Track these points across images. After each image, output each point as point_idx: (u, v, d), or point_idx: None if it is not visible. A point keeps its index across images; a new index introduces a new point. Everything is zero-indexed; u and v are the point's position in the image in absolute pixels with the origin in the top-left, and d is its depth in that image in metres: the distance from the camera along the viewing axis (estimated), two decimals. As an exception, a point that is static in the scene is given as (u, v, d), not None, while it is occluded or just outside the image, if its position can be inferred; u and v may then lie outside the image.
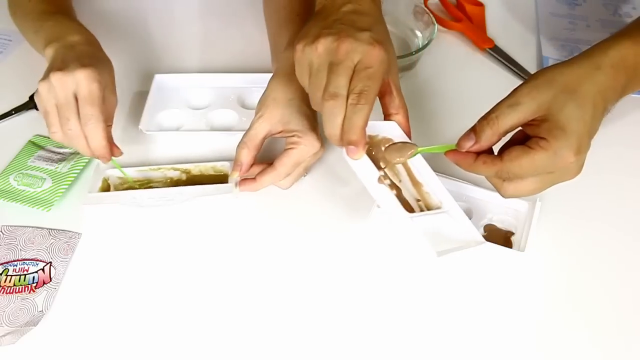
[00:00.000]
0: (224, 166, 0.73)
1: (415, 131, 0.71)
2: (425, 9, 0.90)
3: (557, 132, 0.54)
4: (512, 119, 0.56)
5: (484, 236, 0.67)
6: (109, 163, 0.69)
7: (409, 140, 0.63)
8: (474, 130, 0.57)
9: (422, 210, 0.62)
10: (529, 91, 0.56)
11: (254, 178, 0.69)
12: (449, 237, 0.61)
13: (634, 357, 0.59)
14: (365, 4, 0.62)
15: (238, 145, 0.69)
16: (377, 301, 0.63)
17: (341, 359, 0.59)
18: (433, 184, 0.64)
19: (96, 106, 0.65)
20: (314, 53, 0.59)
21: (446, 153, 0.59)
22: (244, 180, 0.70)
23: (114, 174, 0.73)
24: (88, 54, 0.68)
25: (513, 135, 0.59)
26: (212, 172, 0.73)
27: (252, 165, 0.70)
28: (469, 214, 0.69)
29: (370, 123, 0.59)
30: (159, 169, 0.73)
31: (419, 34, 0.90)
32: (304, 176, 0.73)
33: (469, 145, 0.57)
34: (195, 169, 0.73)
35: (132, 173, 0.73)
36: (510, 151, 0.56)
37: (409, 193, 0.63)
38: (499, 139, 0.57)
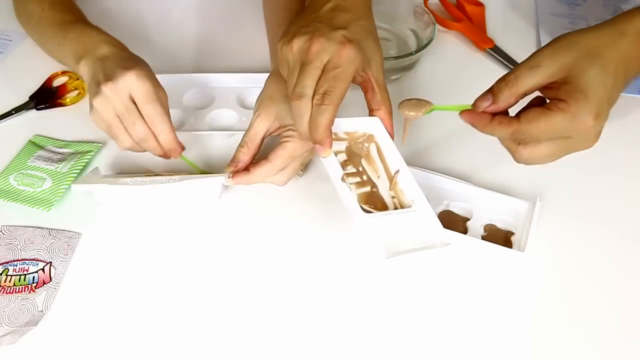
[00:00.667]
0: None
1: (415, 131, 0.71)
2: (425, 9, 0.90)
3: (578, 94, 0.53)
4: (532, 80, 0.55)
5: (484, 237, 0.67)
6: (107, 164, 0.69)
7: (423, 98, 0.63)
8: (492, 91, 0.57)
9: (396, 208, 0.63)
10: (550, 54, 0.55)
11: (248, 169, 0.69)
12: (412, 237, 0.61)
13: (633, 357, 0.59)
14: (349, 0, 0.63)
15: (239, 144, 0.69)
16: (376, 301, 0.63)
17: (340, 359, 0.59)
18: (407, 182, 0.64)
19: (156, 102, 0.66)
20: (290, 52, 0.60)
21: (461, 113, 0.59)
22: (238, 172, 0.69)
23: (110, 176, 0.72)
24: (126, 58, 0.69)
25: (531, 101, 0.58)
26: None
27: (249, 165, 0.69)
28: (469, 213, 0.69)
29: (351, 119, 0.62)
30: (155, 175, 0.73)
31: (419, 34, 0.90)
32: (300, 176, 0.73)
33: (485, 105, 0.57)
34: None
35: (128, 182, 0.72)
36: (528, 112, 0.55)
37: (385, 190, 0.63)
38: (517, 101, 0.57)
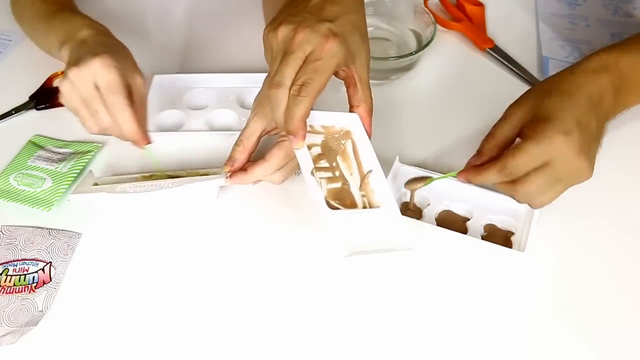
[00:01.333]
0: (216, 173, 0.72)
1: (415, 132, 0.71)
2: (425, 9, 0.90)
3: (542, 121, 0.58)
4: (505, 129, 0.61)
5: (484, 236, 0.67)
6: (102, 164, 0.68)
7: (424, 175, 0.69)
8: (478, 150, 0.62)
9: (364, 207, 0.62)
10: (516, 103, 0.62)
11: (245, 169, 0.69)
12: (376, 238, 0.60)
13: (633, 357, 0.59)
14: None
15: (234, 143, 0.69)
16: (375, 301, 0.63)
17: (340, 359, 0.59)
18: (378, 183, 0.64)
19: (119, 92, 0.65)
20: (275, 39, 0.61)
21: (458, 174, 0.62)
22: (235, 172, 0.69)
23: (105, 179, 0.72)
24: (101, 43, 0.69)
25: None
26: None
27: (247, 164, 0.69)
28: (469, 213, 0.69)
29: (329, 113, 0.62)
30: (151, 176, 0.73)
31: (419, 34, 0.90)
32: (297, 174, 0.73)
33: (475, 162, 0.62)
34: (188, 175, 0.73)
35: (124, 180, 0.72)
36: (507, 150, 0.59)
37: (356, 188, 0.63)
38: (500, 152, 0.60)
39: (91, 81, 0.65)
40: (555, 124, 0.57)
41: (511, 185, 0.60)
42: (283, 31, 0.60)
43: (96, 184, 0.71)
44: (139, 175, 0.72)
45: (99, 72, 0.65)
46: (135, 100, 0.67)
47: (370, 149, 0.64)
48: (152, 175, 0.73)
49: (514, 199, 0.61)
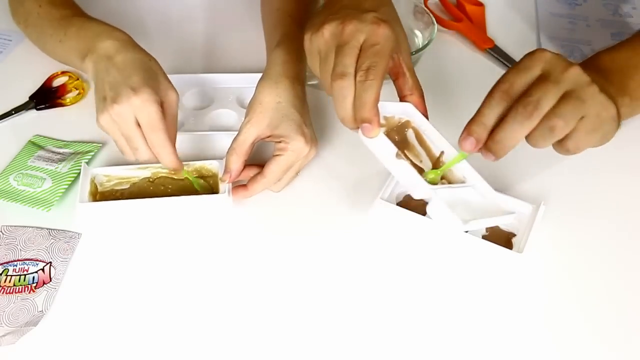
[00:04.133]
0: (212, 165, 0.72)
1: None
2: (425, 9, 0.90)
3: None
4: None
5: (484, 236, 0.67)
6: (100, 161, 0.68)
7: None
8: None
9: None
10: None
11: (245, 185, 0.69)
12: (475, 209, 0.59)
13: (632, 357, 0.59)
14: None
15: (227, 152, 0.69)
16: (375, 301, 0.63)
17: (340, 358, 0.59)
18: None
19: (159, 130, 0.64)
20: (321, 40, 0.59)
21: (462, 140, 0.57)
22: (235, 187, 0.70)
23: (99, 172, 0.72)
24: (132, 67, 0.66)
25: None
26: (202, 173, 0.73)
27: (244, 168, 0.70)
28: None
29: (385, 104, 0.59)
30: (147, 167, 0.72)
31: (419, 34, 0.90)
32: (296, 174, 0.73)
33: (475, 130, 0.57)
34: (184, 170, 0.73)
35: (120, 171, 0.72)
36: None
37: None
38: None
39: (132, 119, 0.64)
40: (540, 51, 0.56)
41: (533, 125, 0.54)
42: (329, 29, 0.58)
43: (92, 180, 0.71)
44: (135, 167, 0.72)
45: (139, 109, 0.63)
46: (167, 119, 0.66)
47: (435, 132, 0.62)
48: (148, 167, 0.72)
49: (542, 142, 0.55)
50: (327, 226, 0.69)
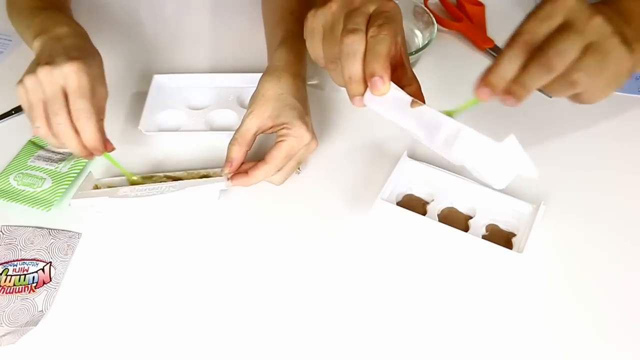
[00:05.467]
0: (216, 173, 0.72)
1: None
2: (425, 9, 0.90)
3: None
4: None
5: (484, 236, 0.67)
6: (102, 165, 0.68)
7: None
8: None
9: None
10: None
11: (247, 172, 0.69)
12: (508, 165, 0.54)
13: (632, 358, 0.59)
14: None
15: (229, 142, 0.69)
16: (375, 301, 0.63)
17: (340, 358, 0.59)
18: (469, 136, 0.55)
19: (87, 99, 0.63)
20: (328, 12, 0.59)
21: (478, 90, 0.54)
22: (236, 174, 0.69)
23: (104, 180, 0.72)
24: (76, 46, 0.67)
25: None
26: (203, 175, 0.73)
27: (243, 163, 0.69)
28: (472, 211, 0.69)
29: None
30: (151, 177, 0.73)
31: (419, 34, 0.90)
32: (298, 173, 0.73)
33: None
34: (188, 176, 0.73)
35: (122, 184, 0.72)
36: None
37: None
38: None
39: (60, 83, 0.63)
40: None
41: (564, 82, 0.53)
42: (337, 2, 0.58)
43: (97, 186, 0.72)
44: (138, 177, 0.72)
45: (70, 76, 0.62)
46: (95, 110, 0.64)
47: (441, 115, 0.57)
48: (152, 177, 0.73)
49: (561, 93, 0.54)
50: (327, 226, 0.69)
